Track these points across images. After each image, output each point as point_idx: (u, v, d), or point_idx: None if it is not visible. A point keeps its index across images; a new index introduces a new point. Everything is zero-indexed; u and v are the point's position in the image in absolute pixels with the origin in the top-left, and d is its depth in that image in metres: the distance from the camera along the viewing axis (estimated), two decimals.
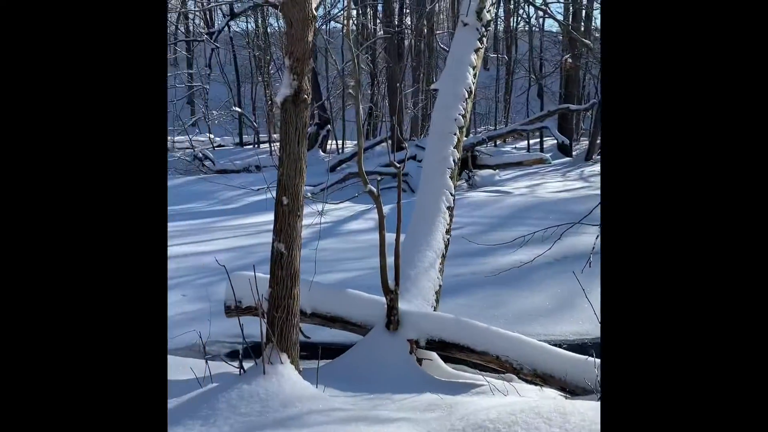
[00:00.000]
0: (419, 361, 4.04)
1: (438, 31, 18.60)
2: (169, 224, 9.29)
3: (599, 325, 2.15)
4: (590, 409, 2.33)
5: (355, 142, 17.47)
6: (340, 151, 16.41)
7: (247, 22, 20.32)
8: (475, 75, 5.51)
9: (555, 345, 4.01)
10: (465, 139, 5.38)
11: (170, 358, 4.31)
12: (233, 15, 16.52)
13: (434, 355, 4.17)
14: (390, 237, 4.13)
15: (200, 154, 15.76)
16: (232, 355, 4.31)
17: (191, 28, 23.88)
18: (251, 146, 18.40)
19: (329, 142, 16.48)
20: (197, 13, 22.84)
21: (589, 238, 5.92)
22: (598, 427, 2.15)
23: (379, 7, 17.18)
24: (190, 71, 21.26)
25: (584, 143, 16.41)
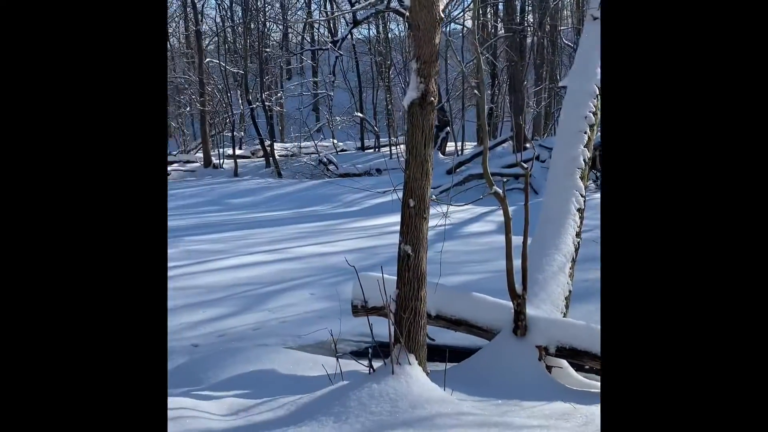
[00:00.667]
0: (548, 368, 3.90)
1: (561, 27, 17.92)
2: (296, 226, 9.75)
3: None
4: None
5: (474, 143, 17.32)
6: (459, 152, 16.31)
7: (368, 29, 20.85)
8: None
9: None
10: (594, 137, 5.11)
11: (301, 354, 4.51)
12: (356, 23, 16.98)
13: (564, 362, 4.00)
14: (516, 240, 4.02)
15: (325, 159, 16.39)
16: (358, 354, 4.40)
17: (316, 37, 24.88)
18: (372, 150, 18.83)
19: (448, 143, 16.45)
20: (322, 23, 23.77)
21: None
22: None
23: (500, 6, 16.88)
24: (315, 79, 22.15)
25: None
